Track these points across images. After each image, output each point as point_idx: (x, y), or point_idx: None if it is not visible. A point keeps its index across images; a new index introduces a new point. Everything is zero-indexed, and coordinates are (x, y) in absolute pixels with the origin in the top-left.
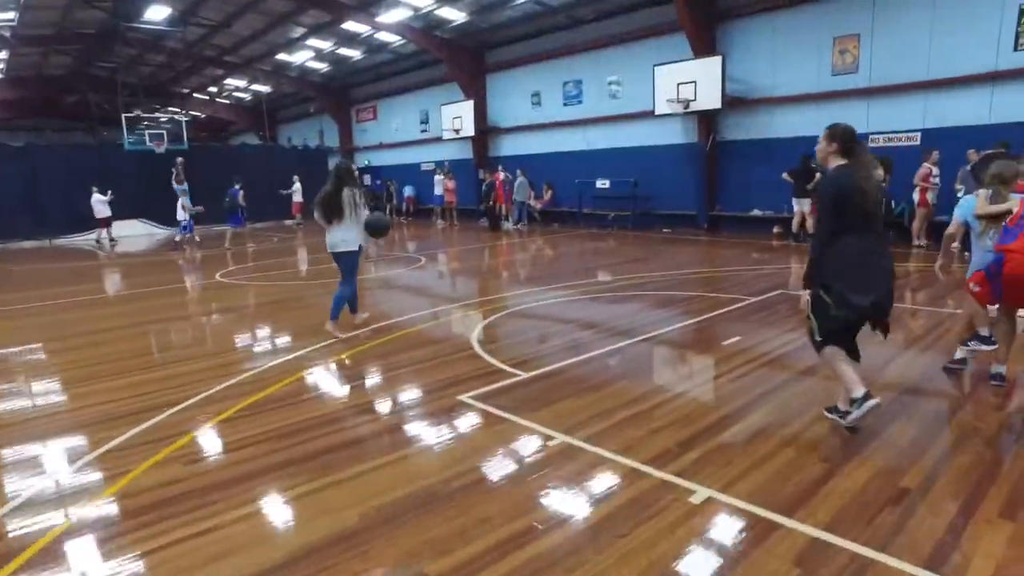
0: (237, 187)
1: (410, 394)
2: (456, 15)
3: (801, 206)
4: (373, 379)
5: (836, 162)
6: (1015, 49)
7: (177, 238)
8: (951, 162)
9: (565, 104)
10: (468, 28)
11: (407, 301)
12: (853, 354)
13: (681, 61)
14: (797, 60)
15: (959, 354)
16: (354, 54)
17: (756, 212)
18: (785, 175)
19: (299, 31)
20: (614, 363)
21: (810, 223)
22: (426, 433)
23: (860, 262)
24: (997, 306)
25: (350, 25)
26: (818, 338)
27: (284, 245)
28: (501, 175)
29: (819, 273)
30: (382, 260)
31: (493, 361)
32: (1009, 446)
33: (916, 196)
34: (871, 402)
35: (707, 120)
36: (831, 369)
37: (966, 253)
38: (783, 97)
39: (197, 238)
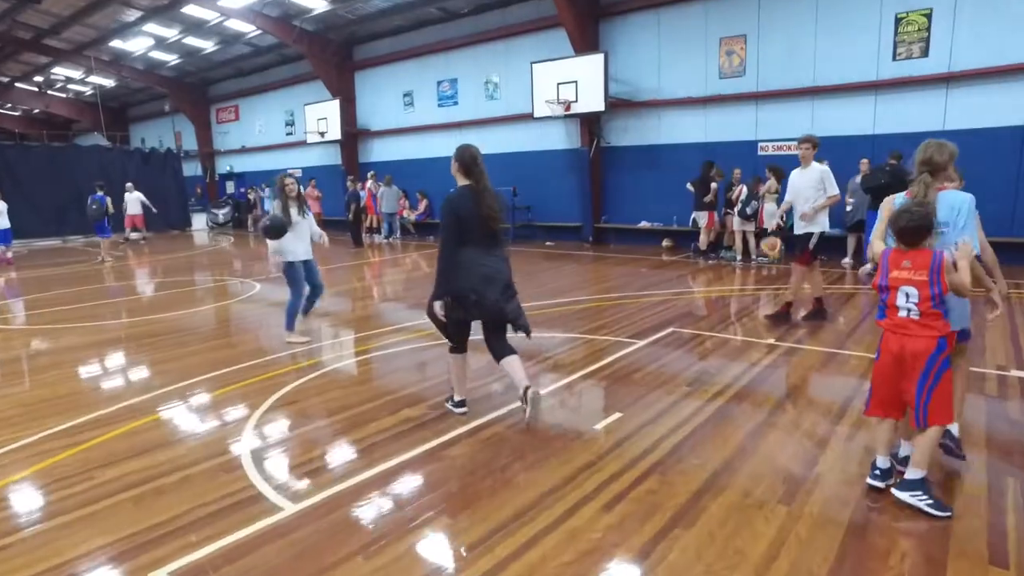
0: (101, 193)
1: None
2: (317, 2)
3: (699, 219)
4: (32, 531)
5: (462, 181)
6: (894, 59)
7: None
8: (838, 173)
9: (440, 105)
10: (332, 19)
11: (204, 353)
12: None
13: (560, 59)
14: (684, 61)
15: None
16: (206, 45)
17: (644, 224)
18: (689, 185)
19: (133, 14)
20: (426, 480)
21: (703, 237)
22: None
23: (472, 269)
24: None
25: (193, 10)
26: (451, 343)
27: (93, 269)
28: (370, 183)
29: (447, 283)
30: (210, 287)
31: (256, 480)
32: None
33: None
34: (462, 410)
35: (590, 124)
36: (450, 368)
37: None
38: (670, 100)
39: (9, 255)
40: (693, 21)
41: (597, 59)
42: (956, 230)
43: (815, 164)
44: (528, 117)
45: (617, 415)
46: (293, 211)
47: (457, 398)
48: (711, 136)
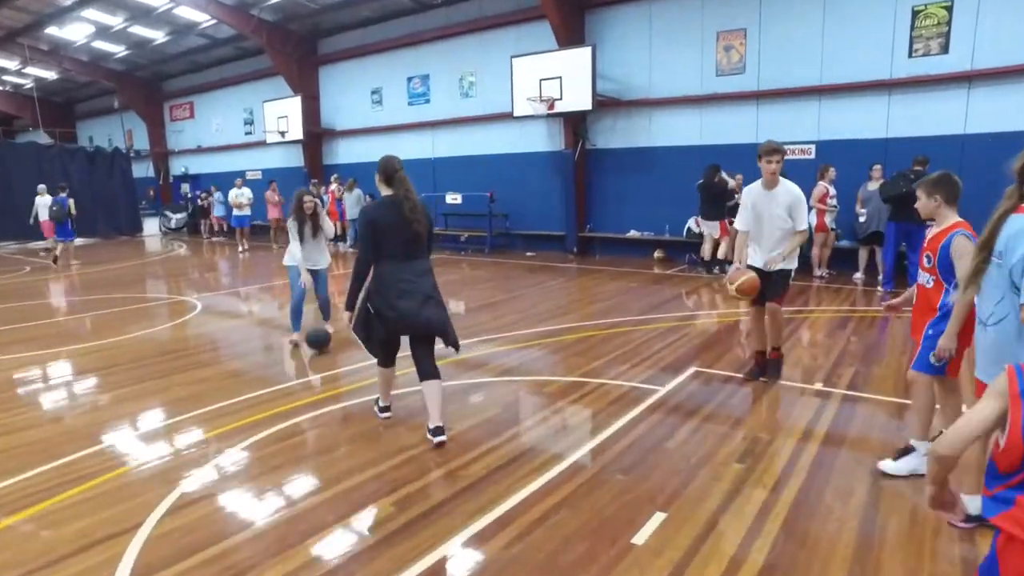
0: (64, 195)
1: None
2: None
3: (710, 230)
4: None
5: (385, 192)
6: (910, 56)
7: None
8: (846, 180)
9: (410, 103)
10: (294, 9)
11: (115, 406)
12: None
13: (543, 52)
14: (677, 56)
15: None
16: (156, 35)
17: (634, 233)
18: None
19: None
20: None
21: (722, 249)
22: None
23: (392, 284)
24: None
25: None
26: (378, 360)
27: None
28: (334, 187)
29: (355, 293)
30: (151, 305)
31: None
32: None
33: (813, 219)
34: (386, 415)
35: (575, 124)
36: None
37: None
38: (662, 99)
39: None
40: (688, 13)
41: (584, 53)
42: (1010, 270)
43: (785, 183)
44: (506, 116)
45: (659, 517)
46: (308, 231)
47: (382, 404)
48: (707, 138)
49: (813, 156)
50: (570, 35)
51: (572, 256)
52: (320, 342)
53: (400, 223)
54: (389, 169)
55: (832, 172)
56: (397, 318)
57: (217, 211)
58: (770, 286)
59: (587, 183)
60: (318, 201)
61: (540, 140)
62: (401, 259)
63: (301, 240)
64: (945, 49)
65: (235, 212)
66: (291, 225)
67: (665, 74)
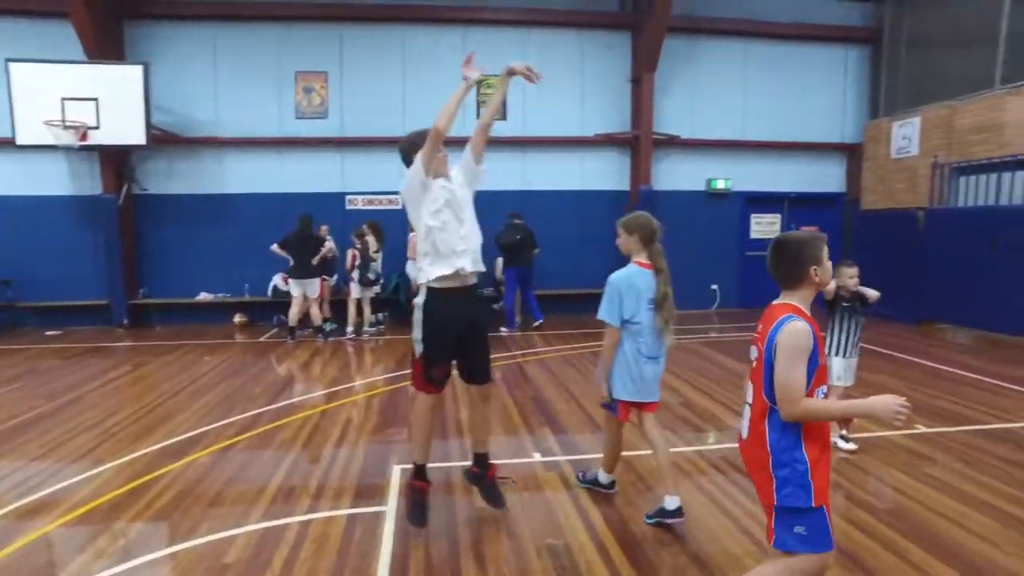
0: None
1: None
2: None
3: (304, 288)
4: None
5: None
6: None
7: None
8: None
9: None
10: None
11: None
12: None
13: (68, 63)
14: (251, 92)
15: None
16: None
17: (205, 296)
18: (276, 247)
19: None
20: None
21: (315, 312)
22: None
23: None
24: None
25: None
26: None
27: None
28: None
29: None
30: None
31: None
32: None
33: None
34: None
35: (117, 162)
36: None
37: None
38: (235, 139)
39: None
40: (262, 46)
41: (132, 72)
42: None
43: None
44: (7, 143)
45: None
46: None
47: None
48: (290, 186)
49: (401, 206)
50: (104, 48)
51: (123, 330)
52: None
53: None
54: None
55: None
56: None
57: None
58: None
59: (138, 237)
60: None
61: (60, 180)
62: None
63: None
64: (504, 116)
65: None
66: None
67: (237, 111)
